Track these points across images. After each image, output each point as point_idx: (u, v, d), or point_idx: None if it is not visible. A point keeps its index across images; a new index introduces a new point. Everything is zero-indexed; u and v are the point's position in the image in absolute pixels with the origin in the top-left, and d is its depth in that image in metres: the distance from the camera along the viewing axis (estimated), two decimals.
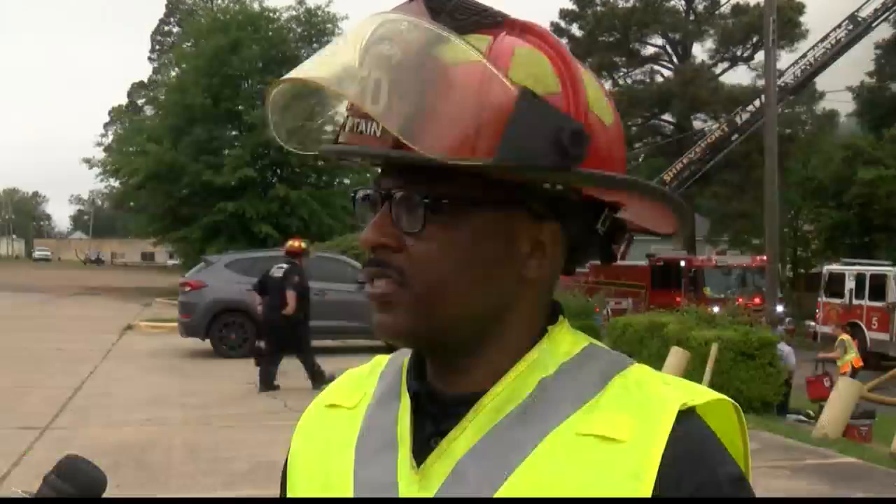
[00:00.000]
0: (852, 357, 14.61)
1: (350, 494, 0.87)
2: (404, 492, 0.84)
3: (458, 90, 0.76)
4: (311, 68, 0.83)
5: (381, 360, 0.99)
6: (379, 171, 0.86)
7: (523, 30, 0.84)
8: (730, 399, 0.85)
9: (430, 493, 0.82)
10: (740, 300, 19.52)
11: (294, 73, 0.82)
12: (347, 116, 0.83)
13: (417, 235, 0.81)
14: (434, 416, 0.86)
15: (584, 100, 0.82)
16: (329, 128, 0.89)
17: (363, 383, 0.97)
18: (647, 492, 0.76)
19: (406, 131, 0.75)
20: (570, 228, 0.85)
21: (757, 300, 21.84)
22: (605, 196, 0.85)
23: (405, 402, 0.89)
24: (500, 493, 0.79)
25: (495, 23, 0.82)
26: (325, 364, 11.21)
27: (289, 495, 0.96)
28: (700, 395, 0.82)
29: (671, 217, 0.88)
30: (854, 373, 14.40)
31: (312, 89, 0.85)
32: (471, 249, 0.82)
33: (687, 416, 0.80)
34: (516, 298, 0.85)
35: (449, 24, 0.79)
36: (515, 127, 0.76)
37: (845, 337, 15.04)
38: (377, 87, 0.77)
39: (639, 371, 0.85)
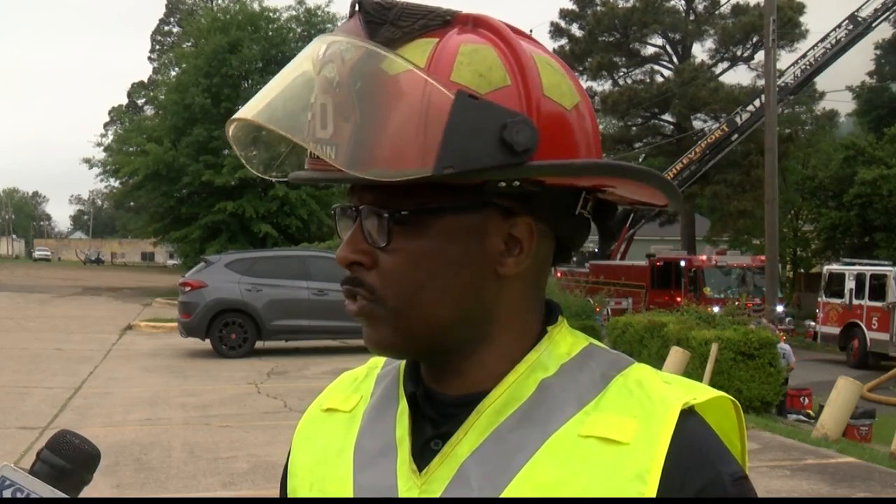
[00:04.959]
0: None
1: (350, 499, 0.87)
2: (404, 495, 0.83)
3: (396, 104, 0.75)
4: (260, 103, 0.81)
5: (377, 361, 0.99)
6: (350, 187, 0.85)
7: (476, 23, 0.82)
8: (729, 396, 0.85)
9: (433, 497, 0.82)
10: (738, 302, 19.50)
11: (242, 114, 0.81)
12: None
13: (386, 249, 0.81)
14: (433, 419, 0.86)
15: (538, 88, 0.80)
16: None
17: (359, 386, 0.97)
18: (651, 493, 0.76)
19: (347, 158, 0.76)
20: (547, 219, 0.84)
21: (757, 300, 21.83)
22: (576, 182, 0.83)
23: (403, 405, 0.89)
24: (504, 496, 0.79)
25: (444, 22, 0.81)
26: (325, 364, 11.21)
27: None
28: (700, 393, 0.82)
29: (658, 191, 0.86)
30: None
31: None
32: (439, 255, 0.81)
33: (689, 416, 0.80)
34: (499, 297, 0.84)
35: (393, 33, 0.79)
36: (455, 131, 0.74)
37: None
38: (324, 112, 0.77)
39: (639, 370, 0.85)
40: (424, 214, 0.80)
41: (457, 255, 0.81)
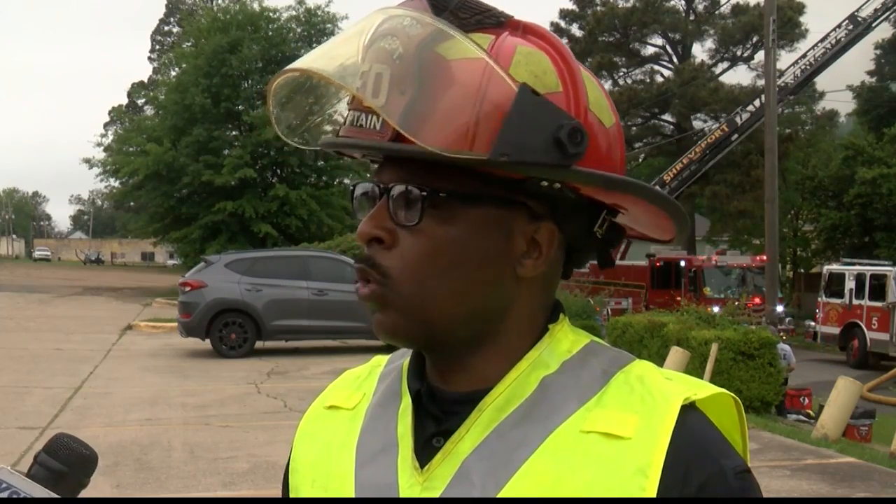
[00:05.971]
0: None
1: (351, 496, 0.87)
2: (405, 492, 0.83)
3: (458, 86, 0.77)
4: (315, 60, 0.83)
5: (380, 360, 0.99)
6: (377, 167, 0.86)
7: (526, 30, 0.84)
8: (730, 393, 0.85)
9: (435, 494, 0.82)
10: (738, 302, 19.48)
11: (297, 64, 0.83)
12: (348, 111, 0.84)
13: (413, 229, 0.81)
14: (435, 416, 0.86)
15: (585, 100, 0.82)
16: (329, 127, 0.89)
17: (362, 384, 0.97)
18: (653, 487, 0.76)
19: (405, 124, 0.76)
20: (567, 229, 0.85)
21: (757, 300, 21.83)
22: (604, 198, 0.85)
23: (406, 402, 0.89)
24: (505, 492, 0.79)
25: (498, 23, 0.83)
26: (325, 364, 11.21)
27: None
28: (702, 389, 0.83)
29: (669, 222, 0.88)
30: None
31: (314, 84, 0.86)
32: (466, 245, 0.82)
33: (689, 411, 0.80)
34: (513, 298, 0.85)
35: (452, 21, 0.80)
36: (514, 122, 0.76)
37: None
38: (378, 80, 0.78)
39: (640, 367, 0.85)
40: (460, 200, 0.81)
41: (482, 249, 0.82)
